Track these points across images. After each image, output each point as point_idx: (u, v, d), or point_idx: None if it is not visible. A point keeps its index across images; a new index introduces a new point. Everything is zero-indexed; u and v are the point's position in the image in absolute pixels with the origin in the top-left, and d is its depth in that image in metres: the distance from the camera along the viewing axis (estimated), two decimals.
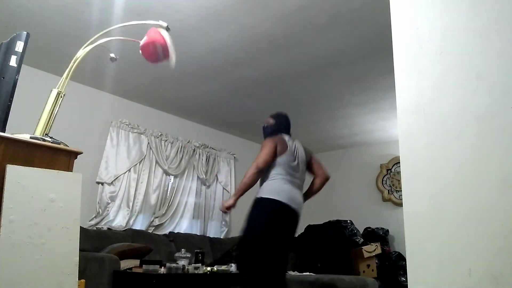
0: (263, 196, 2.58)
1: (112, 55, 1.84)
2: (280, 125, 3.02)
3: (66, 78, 1.57)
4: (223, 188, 5.46)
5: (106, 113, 4.38)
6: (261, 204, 2.57)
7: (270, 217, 2.53)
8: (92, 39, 1.66)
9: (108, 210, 4.16)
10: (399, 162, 4.31)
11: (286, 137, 2.91)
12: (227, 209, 2.63)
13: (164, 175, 4.77)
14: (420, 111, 1.09)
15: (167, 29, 1.77)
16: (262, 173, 2.64)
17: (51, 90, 1.55)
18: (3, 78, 1.39)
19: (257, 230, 2.52)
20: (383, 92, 4.13)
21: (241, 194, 2.57)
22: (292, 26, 3.04)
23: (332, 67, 3.66)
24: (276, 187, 2.61)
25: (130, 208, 4.33)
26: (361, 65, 3.61)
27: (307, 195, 2.86)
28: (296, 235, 3.03)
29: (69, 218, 1.34)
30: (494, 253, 0.88)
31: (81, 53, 1.62)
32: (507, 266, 0.86)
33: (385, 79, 3.82)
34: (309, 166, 2.97)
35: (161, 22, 1.76)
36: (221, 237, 5.16)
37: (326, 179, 2.94)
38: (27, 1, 2.85)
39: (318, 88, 4.15)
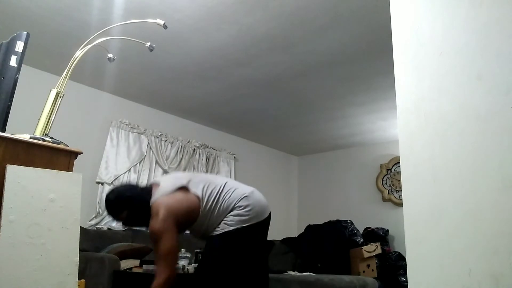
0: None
1: (110, 55, 1.84)
2: (137, 191, 2.03)
3: (65, 78, 1.57)
4: None
5: (106, 113, 4.38)
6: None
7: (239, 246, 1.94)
8: (90, 38, 1.66)
9: None
10: (399, 162, 4.26)
11: (165, 180, 2.07)
12: None
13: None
14: (420, 111, 1.09)
15: (164, 27, 1.77)
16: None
17: (50, 90, 1.55)
18: (3, 78, 1.39)
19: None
20: (383, 92, 4.13)
21: None
22: (292, 26, 3.04)
23: (332, 67, 3.66)
24: (242, 210, 1.94)
25: None
26: (361, 65, 3.61)
27: None
28: (296, 235, 2.84)
29: (69, 218, 1.34)
30: (494, 253, 0.88)
31: (79, 53, 1.62)
32: (507, 266, 0.86)
33: (385, 79, 3.82)
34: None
35: (158, 21, 1.76)
36: None
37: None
38: (27, 1, 2.85)
39: (318, 88, 4.15)
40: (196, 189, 1.94)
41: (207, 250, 1.95)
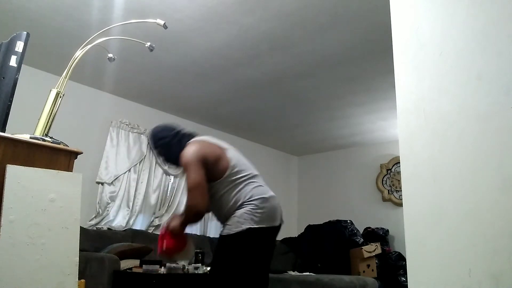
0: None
1: (110, 55, 1.84)
2: (173, 133, 2.10)
3: (65, 78, 1.57)
4: None
5: (106, 113, 4.38)
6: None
7: (247, 250, 1.92)
8: (90, 38, 1.67)
9: (108, 210, 4.16)
10: (399, 162, 4.26)
11: (203, 137, 2.11)
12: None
13: (164, 175, 4.77)
14: (420, 111, 1.09)
15: (165, 27, 1.77)
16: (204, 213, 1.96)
17: (50, 90, 1.55)
18: (3, 78, 1.39)
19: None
20: (383, 92, 4.13)
21: None
22: (292, 26, 3.04)
23: (332, 67, 3.66)
24: (254, 209, 1.92)
25: (130, 208, 4.33)
26: (361, 65, 3.61)
27: None
28: (296, 235, 2.83)
29: (69, 218, 1.34)
30: (494, 253, 0.88)
31: (79, 53, 1.62)
32: (507, 266, 0.86)
33: (385, 79, 3.82)
34: None
35: (158, 21, 1.77)
36: None
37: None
38: (27, 1, 2.85)
39: (318, 88, 4.15)
40: (231, 157, 1.97)
41: (218, 250, 1.94)
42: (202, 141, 2.01)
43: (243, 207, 1.90)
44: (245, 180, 1.96)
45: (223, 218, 1.96)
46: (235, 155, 2.02)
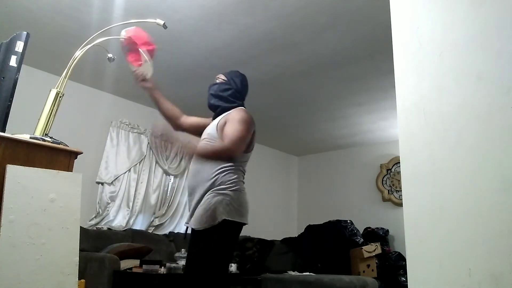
0: (225, 218, 1.83)
1: (110, 55, 1.84)
2: (245, 92, 2.20)
3: (65, 78, 1.57)
4: None
5: (106, 113, 4.38)
6: (220, 231, 1.85)
7: (230, 248, 1.93)
8: (90, 38, 1.66)
9: (108, 210, 4.16)
10: (399, 162, 4.30)
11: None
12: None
13: (164, 175, 4.77)
14: (420, 111, 1.09)
15: (164, 26, 1.77)
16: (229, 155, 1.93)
17: (50, 90, 1.55)
18: (3, 78, 1.39)
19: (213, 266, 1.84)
20: (383, 92, 4.13)
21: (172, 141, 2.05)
22: (292, 26, 3.04)
23: (332, 67, 3.66)
24: (238, 201, 1.91)
25: (130, 208, 4.33)
26: (361, 65, 3.61)
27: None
28: (296, 235, 2.90)
29: (69, 218, 1.34)
30: (494, 253, 0.88)
31: (79, 53, 1.62)
32: (507, 266, 0.86)
33: (385, 79, 3.81)
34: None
35: (158, 21, 1.77)
36: None
37: None
38: (27, 1, 2.85)
39: (318, 88, 4.15)
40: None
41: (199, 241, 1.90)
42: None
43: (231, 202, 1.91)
44: (243, 173, 2.03)
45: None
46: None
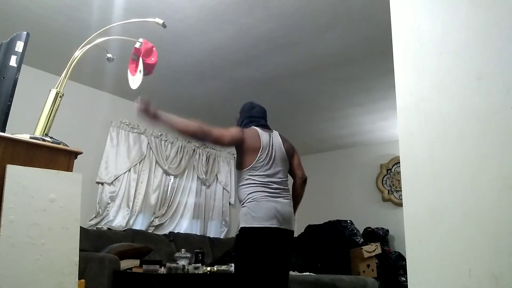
0: (242, 226, 2.07)
1: (109, 55, 1.84)
2: (250, 115, 2.42)
3: (65, 78, 1.57)
4: (223, 188, 5.45)
5: (106, 113, 4.38)
6: (240, 238, 2.08)
7: (254, 251, 2.03)
8: (89, 38, 1.66)
9: (108, 210, 4.16)
10: (399, 162, 4.25)
11: (261, 130, 2.29)
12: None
13: (164, 175, 4.77)
14: (420, 111, 1.09)
15: (164, 26, 1.77)
16: (204, 137, 2.16)
17: (50, 90, 1.55)
18: (3, 78, 1.39)
19: (243, 272, 2.03)
20: (383, 92, 4.13)
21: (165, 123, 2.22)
22: (292, 26, 3.04)
23: (332, 67, 3.66)
24: (255, 209, 2.06)
25: (130, 208, 4.33)
26: (361, 65, 3.61)
27: (295, 207, 2.32)
28: (296, 235, 2.98)
29: (69, 218, 1.34)
30: (494, 253, 0.88)
31: (79, 53, 1.62)
32: (507, 266, 0.86)
33: (385, 79, 3.81)
34: (289, 164, 2.36)
35: (157, 20, 1.77)
36: (221, 237, 5.16)
37: (304, 181, 2.39)
38: (27, 1, 2.85)
39: (318, 88, 4.15)
40: (263, 157, 2.20)
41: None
42: (253, 128, 2.31)
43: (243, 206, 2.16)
44: (257, 183, 2.14)
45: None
46: (264, 156, 2.20)
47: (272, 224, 2.05)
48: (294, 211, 2.28)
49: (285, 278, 2.16)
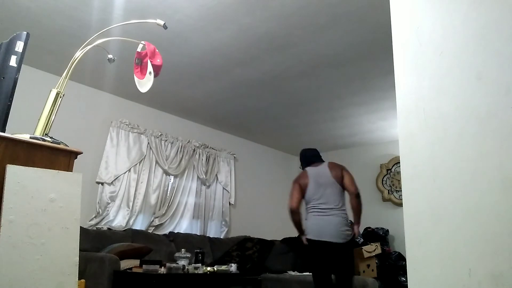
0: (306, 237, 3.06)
1: (110, 56, 1.84)
2: (303, 161, 3.26)
3: (65, 78, 1.57)
4: (223, 188, 5.45)
5: (106, 113, 4.38)
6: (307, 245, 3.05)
7: (310, 255, 3.03)
8: (90, 39, 1.66)
9: (108, 210, 4.16)
10: (399, 162, 4.27)
11: (310, 168, 3.11)
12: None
13: (164, 175, 4.77)
14: (420, 111, 1.09)
15: (165, 27, 1.77)
16: (296, 213, 3.03)
17: (50, 90, 1.55)
18: (3, 78, 1.39)
19: (310, 268, 3.16)
20: (383, 92, 4.13)
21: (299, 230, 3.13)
22: (292, 26, 3.04)
23: (332, 67, 3.66)
24: (308, 226, 3.00)
25: (130, 208, 4.33)
26: (361, 65, 3.61)
27: (355, 218, 3.05)
28: (296, 235, 3.40)
29: (69, 218, 1.34)
30: (494, 253, 0.88)
31: (79, 53, 1.62)
32: (507, 266, 0.86)
33: (385, 79, 3.81)
34: (342, 183, 3.04)
35: (158, 21, 1.76)
36: (221, 237, 5.16)
37: (355, 195, 3.01)
38: (27, 1, 2.85)
39: (318, 88, 4.15)
40: (309, 188, 3.08)
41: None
42: (305, 170, 3.16)
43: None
44: (310, 209, 3.06)
45: None
46: (312, 186, 3.03)
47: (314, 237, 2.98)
48: (357, 220, 3.04)
49: (343, 275, 2.96)
